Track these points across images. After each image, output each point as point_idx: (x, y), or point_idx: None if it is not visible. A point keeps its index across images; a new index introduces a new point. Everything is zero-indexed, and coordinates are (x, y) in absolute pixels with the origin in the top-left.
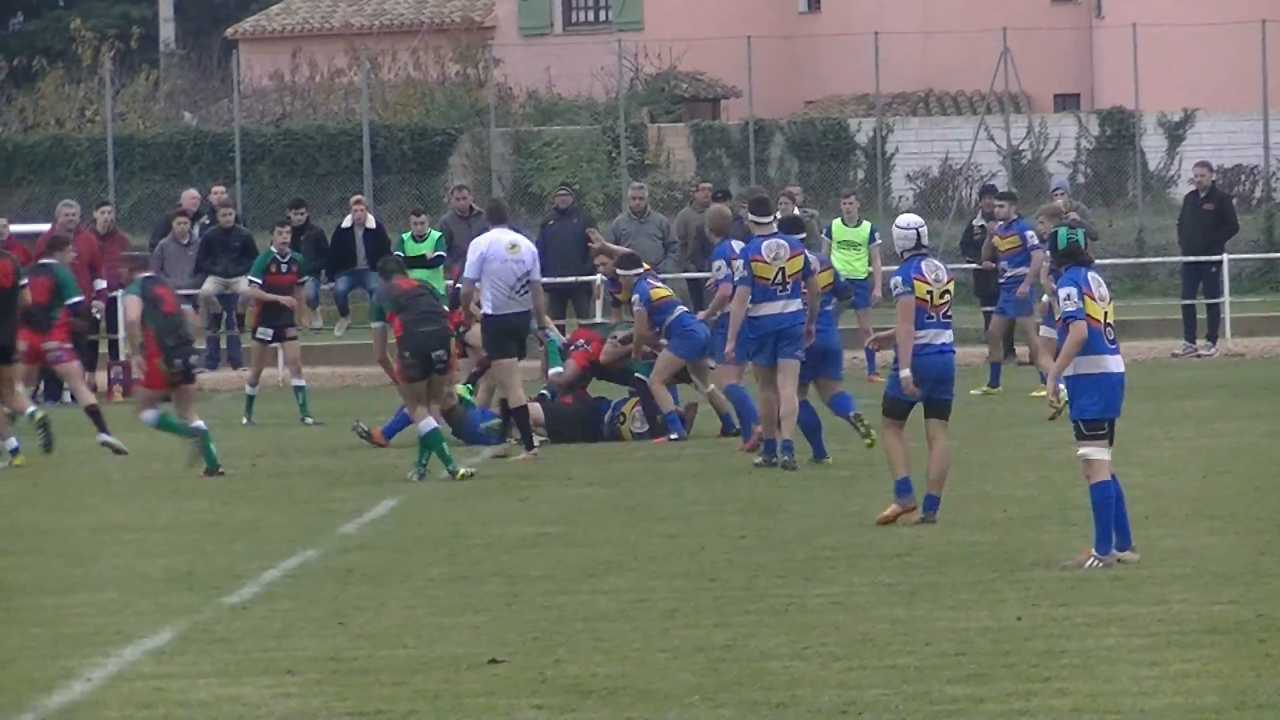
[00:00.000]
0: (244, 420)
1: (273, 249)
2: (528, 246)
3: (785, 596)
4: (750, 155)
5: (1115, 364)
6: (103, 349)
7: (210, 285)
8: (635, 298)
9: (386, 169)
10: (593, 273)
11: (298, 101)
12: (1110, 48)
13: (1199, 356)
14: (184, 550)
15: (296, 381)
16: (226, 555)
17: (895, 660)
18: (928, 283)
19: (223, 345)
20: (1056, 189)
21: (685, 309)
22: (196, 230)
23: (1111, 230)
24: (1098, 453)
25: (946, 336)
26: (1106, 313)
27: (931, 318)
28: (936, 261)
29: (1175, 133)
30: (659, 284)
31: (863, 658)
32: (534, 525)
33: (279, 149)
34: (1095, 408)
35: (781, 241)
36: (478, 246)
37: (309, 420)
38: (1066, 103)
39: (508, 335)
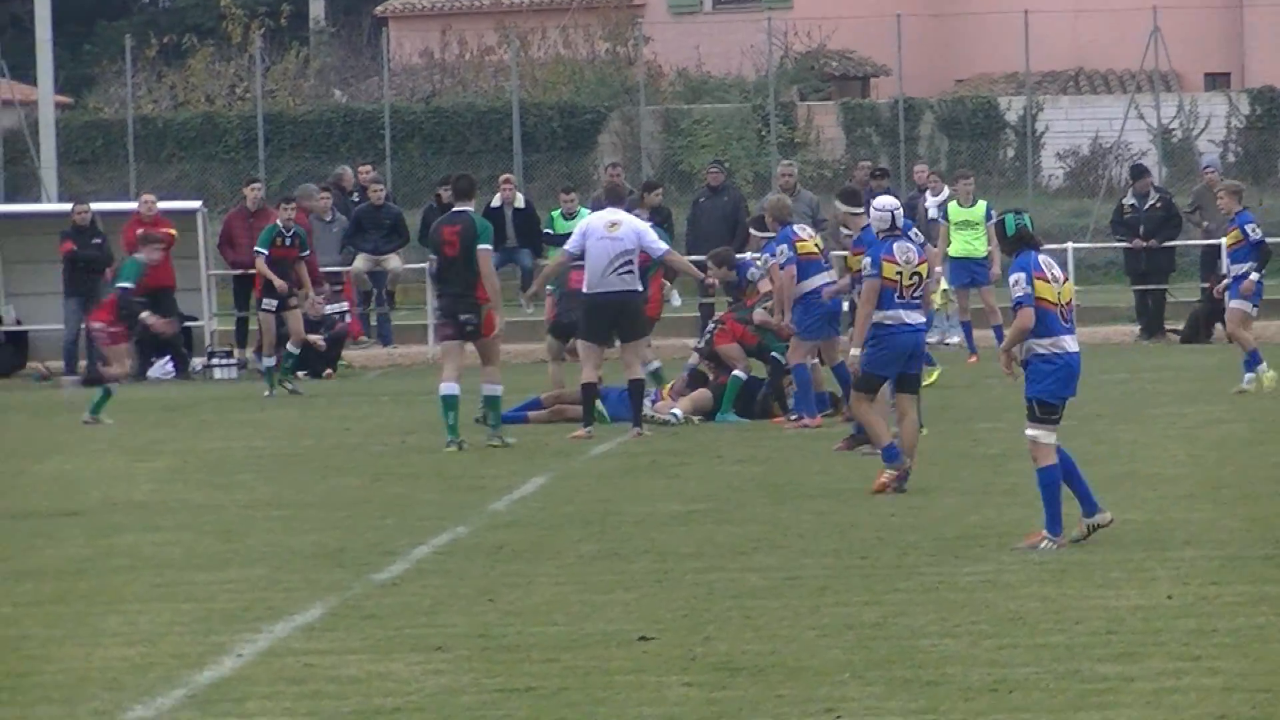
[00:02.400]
0: (266, 393)
1: (279, 223)
2: (631, 225)
3: (935, 574)
4: (900, 134)
5: (1071, 344)
6: (253, 325)
7: (360, 262)
8: (765, 257)
9: (536, 147)
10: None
11: (447, 79)
12: (1261, 26)
13: None
14: (335, 526)
15: (292, 348)
16: (377, 532)
17: (1045, 639)
18: (897, 264)
19: (372, 322)
20: (1207, 168)
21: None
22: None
23: (1262, 209)
24: (1046, 436)
25: (916, 317)
26: (1060, 294)
27: (901, 298)
28: (910, 243)
29: None
30: (805, 238)
31: (1013, 636)
32: (684, 503)
33: (429, 127)
34: (1052, 388)
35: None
36: (583, 223)
37: (288, 386)
38: (1217, 81)
39: (598, 317)
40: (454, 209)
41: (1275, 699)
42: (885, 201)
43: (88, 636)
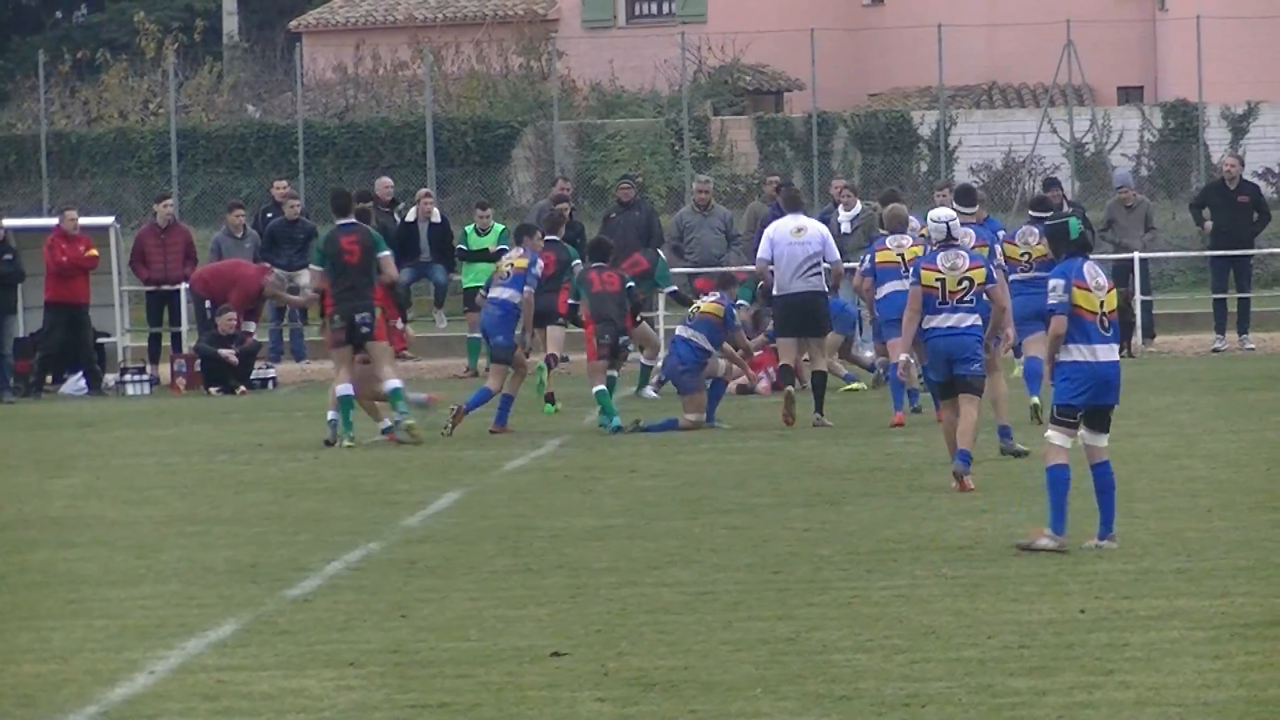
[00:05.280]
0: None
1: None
2: (816, 229)
3: (849, 589)
4: (813, 148)
5: (1106, 353)
6: (165, 341)
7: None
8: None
9: (450, 162)
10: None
11: (361, 94)
12: (1174, 40)
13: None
14: (248, 542)
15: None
16: (290, 547)
17: (958, 653)
18: (939, 271)
19: (285, 338)
20: (1121, 187)
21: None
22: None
23: (1175, 223)
24: (1060, 439)
25: (961, 320)
26: (1103, 302)
27: (945, 303)
28: (962, 251)
29: (1238, 125)
30: (889, 246)
31: (926, 650)
32: (598, 518)
33: (342, 142)
34: (1072, 395)
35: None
36: (768, 231)
37: None
38: (1130, 95)
39: (791, 312)
40: (342, 222)
41: (1188, 713)
42: (942, 213)
43: (0, 653)
